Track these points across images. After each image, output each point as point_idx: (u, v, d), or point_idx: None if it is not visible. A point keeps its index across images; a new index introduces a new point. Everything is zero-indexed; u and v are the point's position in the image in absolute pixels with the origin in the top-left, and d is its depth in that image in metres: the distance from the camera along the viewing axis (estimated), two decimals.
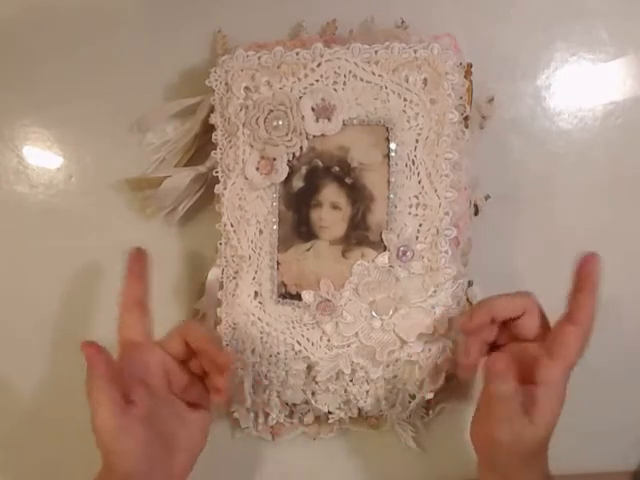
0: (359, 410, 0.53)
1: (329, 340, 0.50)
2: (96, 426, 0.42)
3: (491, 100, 0.56)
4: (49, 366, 0.60)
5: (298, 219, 0.51)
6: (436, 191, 0.49)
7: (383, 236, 0.50)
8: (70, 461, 0.60)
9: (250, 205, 0.52)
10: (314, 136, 0.50)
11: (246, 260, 0.52)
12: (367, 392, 0.52)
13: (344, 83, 0.50)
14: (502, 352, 0.44)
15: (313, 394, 0.53)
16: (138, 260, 0.48)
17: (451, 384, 0.54)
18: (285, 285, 0.52)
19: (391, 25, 0.55)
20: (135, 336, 0.46)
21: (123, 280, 0.47)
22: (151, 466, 0.44)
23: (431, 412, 0.56)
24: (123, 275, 0.47)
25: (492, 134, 0.56)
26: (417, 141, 0.49)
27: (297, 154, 0.51)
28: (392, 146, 0.49)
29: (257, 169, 0.51)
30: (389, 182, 0.50)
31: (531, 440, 0.43)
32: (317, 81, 0.50)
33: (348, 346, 0.50)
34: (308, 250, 0.51)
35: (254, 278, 0.52)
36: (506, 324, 0.46)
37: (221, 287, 0.54)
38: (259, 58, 0.51)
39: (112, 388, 0.42)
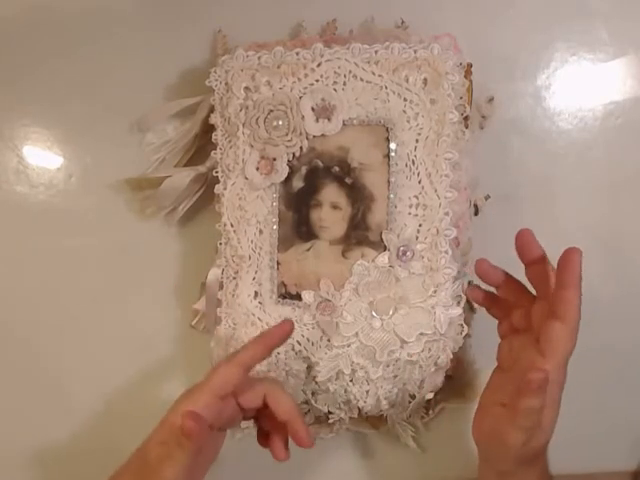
0: (359, 410, 0.53)
1: (329, 340, 0.50)
2: (163, 474, 0.43)
3: (491, 100, 0.56)
4: (49, 366, 0.60)
5: (298, 219, 0.51)
6: (436, 191, 0.49)
7: (383, 236, 0.50)
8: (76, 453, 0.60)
9: (250, 205, 0.52)
10: (314, 136, 0.50)
11: (246, 260, 0.52)
12: (367, 392, 0.52)
13: (344, 83, 0.50)
14: (542, 368, 0.42)
15: (313, 394, 0.53)
16: (282, 334, 0.47)
17: (451, 384, 0.54)
18: (285, 285, 0.52)
19: (391, 25, 0.55)
20: (226, 390, 0.45)
21: (256, 337, 0.46)
22: None
23: (431, 412, 0.56)
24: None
25: (492, 134, 0.56)
26: (417, 141, 0.49)
27: (297, 154, 0.51)
28: (392, 146, 0.49)
29: (257, 169, 0.51)
30: (389, 182, 0.50)
31: (539, 443, 0.43)
32: (317, 81, 0.50)
33: (348, 346, 0.50)
34: (308, 250, 0.51)
35: (254, 278, 0.52)
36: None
37: (221, 287, 0.54)
38: (259, 58, 0.51)
39: (194, 456, 0.43)
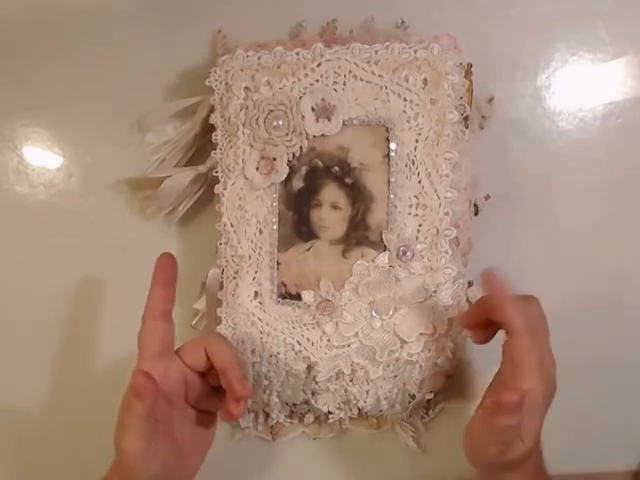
0: (359, 410, 0.53)
1: (329, 340, 0.50)
2: (122, 447, 0.43)
3: (491, 100, 0.56)
4: (50, 366, 0.60)
5: (298, 219, 0.51)
6: (436, 191, 0.49)
7: (383, 236, 0.50)
8: (73, 463, 0.60)
9: (250, 205, 0.52)
10: (314, 136, 0.50)
11: (246, 260, 0.52)
12: (367, 392, 0.52)
13: (344, 83, 0.50)
14: (516, 391, 0.41)
15: (313, 394, 0.53)
16: (166, 268, 0.47)
17: (451, 384, 0.54)
18: (285, 285, 0.52)
19: (391, 25, 0.55)
20: (156, 345, 0.46)
21: (150, 287, 0.46)
22: (165, 472, 0.44)
23: (431, 412, 0.56)
24: (151, 282, 0.46)
25: (492, 134, 0.56)
26: (417, 141, 0.49)
27: (297, 154, 0.51)
28: (392, 146, 0.49)
29: (257, 169, 0.51)
30: (389, 182, 0.50)
31: (518, 453, 0.42)
32: (317, 81, 0.50)
33: (348, 346, 0.50)
34: (308, 250, 0.51)
35: (254, 278, 0.52)
36: None
37: (221, 287, 0.54)
38: (259, 58, 0.51)
39: (148, 420, 0.43)
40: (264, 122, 0.51)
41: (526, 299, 0.44)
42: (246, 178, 0.52)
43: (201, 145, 0.57)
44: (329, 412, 0.54)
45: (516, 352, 0.41)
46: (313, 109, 0.50)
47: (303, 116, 0.50)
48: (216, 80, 0.53)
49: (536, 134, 0.57)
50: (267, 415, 0.56)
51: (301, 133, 0.50)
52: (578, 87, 0.57)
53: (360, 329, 0.50)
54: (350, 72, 0.50)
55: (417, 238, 0.50)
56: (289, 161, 0.51)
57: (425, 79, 0.49)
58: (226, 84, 0.52)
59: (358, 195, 0.50)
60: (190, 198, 0.57)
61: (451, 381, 0.54)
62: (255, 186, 0.52)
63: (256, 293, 0.52)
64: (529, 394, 0.41)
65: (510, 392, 0.40)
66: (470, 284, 0.53)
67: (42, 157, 0.60)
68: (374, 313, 0.50)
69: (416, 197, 0.50)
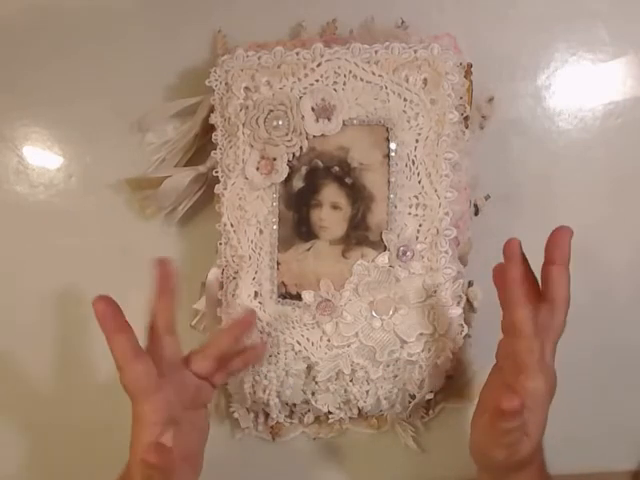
0: (359, 410, 0.53)
1: (329, 340, 0.50)
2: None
3: (491, 100, 0.56)
4: (49, 366, 0.60)
5: (298, 219, 0.51)
6: (436, 191, 0.49)
7: (383, 236, 0.50)
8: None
9: (250, 205, 0.52)
10: (314, 136, 0.50)
11: (246, 260, 0.52)
12: (367, 392, 0.52)
13: (344, 83, 0.50)
14: (516, 392, 0.41)
15: (313, 394, 0.53)
16: (166, 274, 0.45)
17: (451, 384, 0.54)
18: (285, 285, 0.52)
19: (391, 25, 0.55)
20: (171, 357, 0.45)
21: (152, 298, 0.45)
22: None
23: (431, 412, 0.56)
24: (152, 290, 0.45)
25: (492, 134, 0.56)
26: (417, 141, 0.49)
27: (297, 154, 0.51)
28: (392, 146, 0.49)
29: (257, 169, 0.51)
30: (389, 182, 0.50)
31: (525, 452, 0.42)
32: (317, 81, 0.50)
33: (348, 346, 0.50)
34: (308, 250, 0.51)
35: (254, 278, 0.52)
36: None
37: (221, 287, 0.54)
38: (259, 58, 0.51)
39: (131, 338, 0.43)
40: (264, 122, 0.51)
41: (552, 307, 0.43)
42: (246, 178, 0.52)
43: (201, 145, 0.57)
44: (329, 412, 0.54)
45: (520, 352, 0.41)
46: (313, 109, 0.50)
47: (303, 116, 0.50)
48: (216, 80, 0.53)
49: (536, 134, 0.57)
50: (267, 415, 0.56)
51: (301, 133, 0.50)
52: (578, 87, 0.57)
53: (360, 329, 0.50)
54: (350, 72, 0.50)
55: (417, 238, 0.50)
56: (289, 161, 0.51)
57: (425, 79, 0.49)
58: (226, 84, 0.52)
59: (358, 195, 0.50)
60: (190, 198, 0.57)
61: (451, 381, 0.54)
62: (255, 186, 0.52)
63: (256, 293, 0.52)
64: (532, 392, 0.41)
65: (509, 397, 0.39)
66: (470, 284, 0.53)
67: (42, 157, 0.60)
68: (374, 313, 0.50)
69: (416, 197, 0.50)
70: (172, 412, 0.44)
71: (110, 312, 0.43)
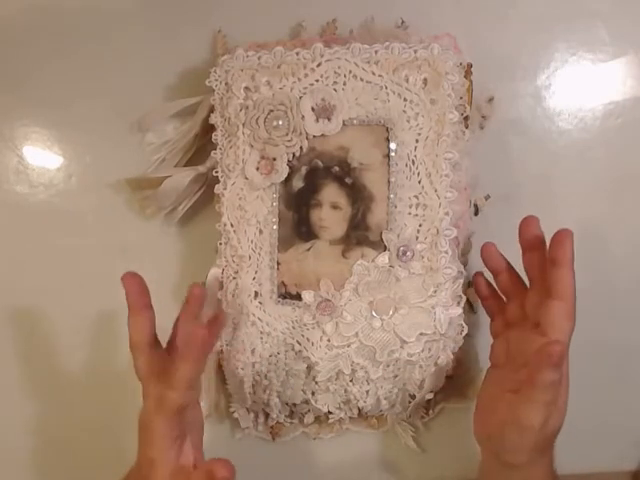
0: (359, 410, 0.53)
1: (329, 340, 0.50)
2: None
3: (491, 100, 0.56)
4: (49, 366, 0.60)
5: (298, 219, 0.51)
6: (436, 191, 0.49)
7: (383, 236, 0.50)
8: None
9: (250, 205, 0.52)
10: (314, 136, 0.50)
11: (246, 260, 0.52)
12: (367, 392, 0.52)
13: (344, 83, 0.50)
14: (560, 340, 0.43)
15: (313, 394, 0.53)
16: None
17: (451, 384, 0.54)
18: (285, 285, 0.52)
19: (391, 25, 0.55)
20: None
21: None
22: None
23: (431, 412, 0.56)
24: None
25: (492, 134, 0.56)
26: (417, 141, 0.49)
27: (297, 154, 0.51)
28: (392, 146, 0.49)
29: (257, 169, 0.51)
30: (389, 182, 0.50)
31: (556, 424, 0.43)
32: (317, 81, 0.50)
33: (348, 346, 0.50)
34: (308, 250, 0.51)
35: (254, 278, 0.52)
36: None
37: (221, 287, 0.54)
38: (259, 58, 0.51)
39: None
40: (264, 122, 0.51)
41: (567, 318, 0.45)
42: (246, 178, 0.52)
43: (201, 145, 0.57)
44: (329, 412, 0.54)
45: (557, 316, 0.43)
46: (313, 109, 0.50)
47: (303, 116, 0.50)
48: (216, 80, 0.53)
49: (536, 134, 0.57)
50: (267, 415, 0.56)
51: (301, 133, 0.50)
52: (578, 87, 0.57)
53: (360, 329, 0.50)
54: (350, 72, 0.50)
55: (417, 238, 0.50)
56: (289, 161, 0.51)
57: (425, 79, 0.49)
58: (226, 84, 0.52)
59: (358, 195, 0.50)
60: (190, 198, 0.57)
61: (451, 381, 0.54)
62: (255, 186, 0.52)
63: (256, 293, 0.52)
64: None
65: (554, 342, 0.41)
66: (470, 284, 0.53)
67: (42, 157, 0.60)
68: (374, 313, 0.50)
69: (416, 197, 0.49)
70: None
71: (137, 287, 0.46)
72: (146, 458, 0.43)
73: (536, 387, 0.41)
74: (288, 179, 0.51)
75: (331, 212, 0.51)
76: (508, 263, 0.49)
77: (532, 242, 0.46)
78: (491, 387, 0.47)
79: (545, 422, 0.42)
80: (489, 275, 0.51)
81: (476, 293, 0.52)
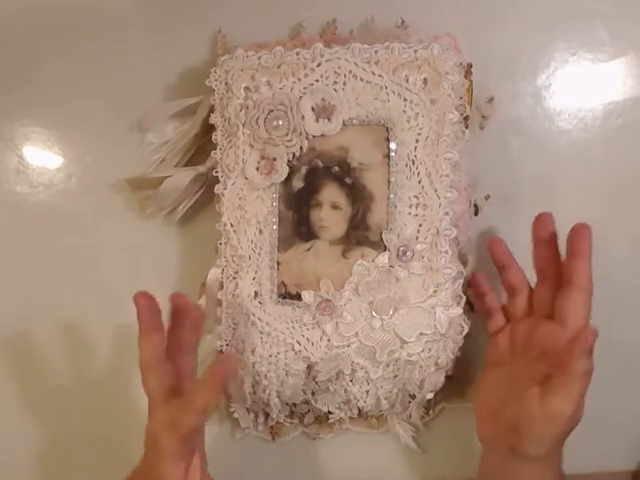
0: (359, 410, 0.53)
1: (329, 340, 0.50)
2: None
3: (491, 100, 0.56)
4: (49, 365, 0.60)
5: (298, 219, 0.51)
6: (436, 191, 0.49)
7: (383, 236, 0.50)
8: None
9: (250, 205, 0.52)
10: (314, 136, 0.50)
11: (246, 260, 0.52)
12: (367, 392, 0.52)
13: (344, 83, 0.50)
14: (593, 328, 0.43)
15: (313, 394, 0.53)
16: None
17: (451, 384, 0.54)
18: (285, 285, 0.52)
19: (391, 25, 0.55)
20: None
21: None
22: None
23: (431, 412, 0.56)
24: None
25: (492, 134, 0.56)
26: (417, 141, 0.49)
27: (297, 154, 0.51)
28: (392, 146, 0.49)
29: (257, 169, 0.51)
30: (389, 182, 0.50)
31: (579, 417, 0.44)
32: (317, 81, 0.50)
33: (348, 346, 0.50)
34: (308, 250, 0.51)
35: (254, 278, 0.52)
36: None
37: (221, 287, 0.54)
38: (259, 58, 0.51)
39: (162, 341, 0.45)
40: (264, 122, 0.51)
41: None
42: (246, 178, 0.52)
43: (201, 145, 0.57)
44: (329, 412, 0.54)
45: (577, 305, 0.45)
46: (313, 109, 0.50)
47: (303, 116, 0.50)
48: (216, 80, 0.53)
49: (536, 134, 0.57)
50: (267, 415, 0.56)
51: (301, 133, 0.50)
52: (578, 87, 0.57)
53: (360, 329, 0.50)
54: (350, 72, 0.50)
55: (417, 238, 0.50)
56: (289, 161, 0.51)
57: (425, 79, 0.49)
58: (226, 84, 0.52)
59: (358, 195, 0.50)
60: (190, 198, 0.57)
61: (451, 381, 0.54)
62: (255, 186, 0.52)
63: (256, 293, 0.52)
64: None
65: (587, 331, 0.42)
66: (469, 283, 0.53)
67: (42, 157, 0.60)
68: (374, 313, 0.50)
69: (416, 197, 0.49)
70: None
71: (149, 309, 0.45)
72: (154, 473, 0.44)
73: (570, 375, 0.42)
74: (288, 179, 0.51)
75: (331, 212, 0.51)
76: (514, 259, 0.50)
77: (546, 238, 0.47)
78: (495, 384, 0.48)
79: (575, 411, 0.43)
80: (489, 276, 0.51)
81: (474, 290, 0.52)
